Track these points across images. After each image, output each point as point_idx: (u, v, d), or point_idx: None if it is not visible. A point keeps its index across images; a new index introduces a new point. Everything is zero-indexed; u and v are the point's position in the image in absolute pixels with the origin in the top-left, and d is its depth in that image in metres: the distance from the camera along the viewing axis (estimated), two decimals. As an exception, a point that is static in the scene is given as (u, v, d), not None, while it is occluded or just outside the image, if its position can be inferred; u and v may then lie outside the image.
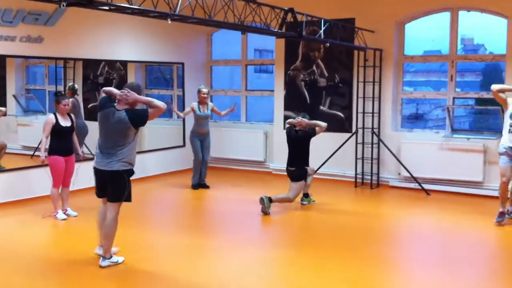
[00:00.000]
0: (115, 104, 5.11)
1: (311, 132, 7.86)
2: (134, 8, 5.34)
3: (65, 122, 7.13)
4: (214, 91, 11.68)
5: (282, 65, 10.47)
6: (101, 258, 5.35)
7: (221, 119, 11.14)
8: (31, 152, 9.69)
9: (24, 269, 5.46)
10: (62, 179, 7.21)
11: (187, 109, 9.42)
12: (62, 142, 7.12)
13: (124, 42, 9.63)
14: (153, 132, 10.44)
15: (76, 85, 9.64)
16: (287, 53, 10.41)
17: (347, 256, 5.87)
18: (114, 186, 5.19)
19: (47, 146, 7.15)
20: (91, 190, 8.68)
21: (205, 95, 9.06)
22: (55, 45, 8.36)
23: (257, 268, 5.62)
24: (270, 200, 7.62)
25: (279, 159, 10.46)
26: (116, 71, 10.61)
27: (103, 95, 5.24)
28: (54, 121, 7.04)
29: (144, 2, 5.45)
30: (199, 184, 9.21)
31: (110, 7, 5.26)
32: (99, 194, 5.45)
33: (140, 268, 5.46)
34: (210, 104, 9.28)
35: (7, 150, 9.31)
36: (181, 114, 9.70)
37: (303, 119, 7.85)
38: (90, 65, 10.31)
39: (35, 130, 9.66)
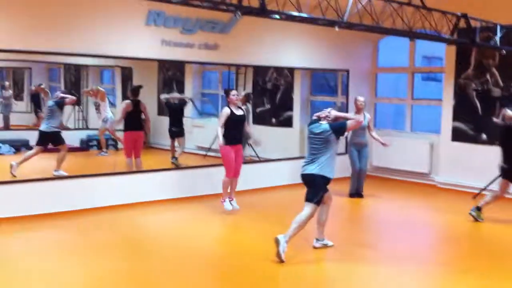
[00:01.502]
0: (319, 121, 6.01)
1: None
2: (304, 16, 5.53)
3: (237, 111, 7.59)
4: (378, 99, 11.55)
5: (452, 73, 10.01)
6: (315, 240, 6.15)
7: (384, 128, 11.00)
8: (204, 152, 10.46)
9: (192, 261, 5.86)
10: (233, 169, 7.63)
11: None
12: (233, 132, 7.55)
13: (292, 49, 9.93)
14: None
15: (251, 94, 10.10)
16: (458, 61, 9.93)
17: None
18: (310, 188, 5.89)
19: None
20: (254, 192, 9.15)
21: (362, 105, 8.95)
22: (229, 52, 8.91)
23: (414, 283, 5.47)
24: (478, 208, 7.55)
25: (446, 172, 10.03)
26: (283, 77, 11.01)
27: (314, 117, 6.15)
28: (229, 111, 7.52)
29: (314, 10, 5.62)
30: (356, 193, 9.18)
31: (281, 16, 5.51)
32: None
33: (298, 271, 5.61)
34: (367, 115, 9.12)
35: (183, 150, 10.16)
36: None
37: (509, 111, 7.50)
38: (260, 71, 10.84)
39: (208, 131, 10.44)
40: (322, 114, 6.05)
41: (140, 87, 8.78)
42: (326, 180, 5.87)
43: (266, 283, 5.23)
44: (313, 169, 5.84)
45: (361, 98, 8.94)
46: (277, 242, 5.59)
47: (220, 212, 7.68)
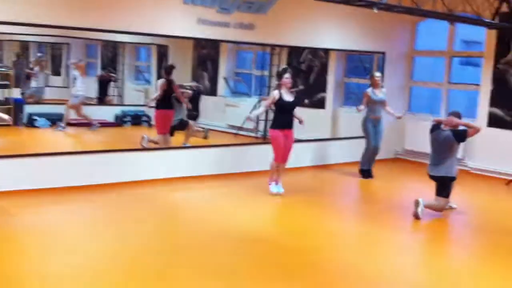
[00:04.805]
0: (441, 127, 6.86)
1: None
2: (342, -3, 5.48)
3: (288, 97, 7.51)
4: (413, 82, 11.38)
5: (492, 58, 9.78)
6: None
7: (419, 112, 10.86)
8: (234, 131, 10.53)
9: (227, 244, 5.89)
10: (282, 153, 7.56)
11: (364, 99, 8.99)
12: (283, 117, 7.52)
13: (328, 31, 9.82)
14: (346, 121, 10.57)
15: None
16: (498, 46, 9.70)
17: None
18: (440, 187, 6.90)
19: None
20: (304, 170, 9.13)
21: (378, 79, 8.95)
22: (264, 32, 8.85)
23: (429, 262, 5.46)
24: None
25: (480, 158, 9.89)
26: (318, 58, 10.93)
27: (434, 123, 6.99)
28: (278, 95, 7.45)
29: (352, -9, 5.57)
30: (367, 171, 9.03)
31: (319, -4, 5.48)
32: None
33: (314, 254, 5.65)
34: (384, 90, 9.07)
35: (214, 128, 10.26)
36: (361, 108, 8.96)
37: None
38: (294, 52, 10.78)
39: (240, 111, 10.46)
40: (444, 121, 6.90)
41: (173, 67, 8.87)
42: (453, 180, 6.81)
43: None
44: (442, 171, 6.76)
45: (377, 74, 9.15)
46: (416, 203, 6.66)
47: (244, 189, 7.74)
